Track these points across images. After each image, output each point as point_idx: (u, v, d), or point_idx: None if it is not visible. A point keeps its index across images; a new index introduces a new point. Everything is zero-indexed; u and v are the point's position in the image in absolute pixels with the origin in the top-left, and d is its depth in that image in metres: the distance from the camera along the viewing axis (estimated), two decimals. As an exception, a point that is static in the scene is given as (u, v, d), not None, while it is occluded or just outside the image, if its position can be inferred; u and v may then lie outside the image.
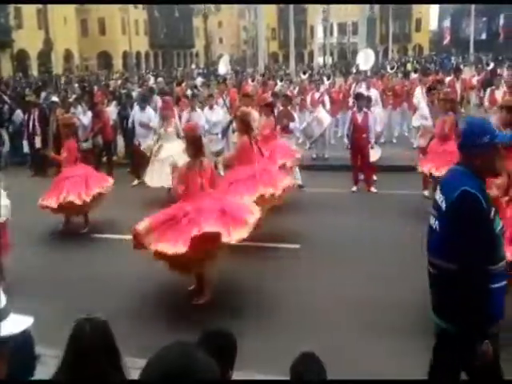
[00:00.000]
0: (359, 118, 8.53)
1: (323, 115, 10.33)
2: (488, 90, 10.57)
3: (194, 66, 49.54)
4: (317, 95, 11.87)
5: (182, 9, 57.73)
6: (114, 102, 12.17)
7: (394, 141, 12.44)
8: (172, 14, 54.45)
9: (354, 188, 8.69)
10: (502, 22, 62.74)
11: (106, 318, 2.05)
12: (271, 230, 6.11)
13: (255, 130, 6.90)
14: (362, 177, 8.80)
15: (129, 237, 4.95)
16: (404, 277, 5.09)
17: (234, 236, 4.62)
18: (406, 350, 3.84)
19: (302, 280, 5.31)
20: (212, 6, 48.22)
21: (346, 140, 8.84)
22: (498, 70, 13.62)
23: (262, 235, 5.39)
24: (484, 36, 62.51)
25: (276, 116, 9.13)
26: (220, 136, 9.48)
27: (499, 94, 9.84)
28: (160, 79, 20.19)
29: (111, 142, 11.01)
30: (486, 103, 10.35)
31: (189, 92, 14.12)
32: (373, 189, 8.61)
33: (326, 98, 11.84)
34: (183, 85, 16.67)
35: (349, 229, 6.72)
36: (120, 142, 11.52)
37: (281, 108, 9.41)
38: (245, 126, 6.40)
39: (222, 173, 9.39)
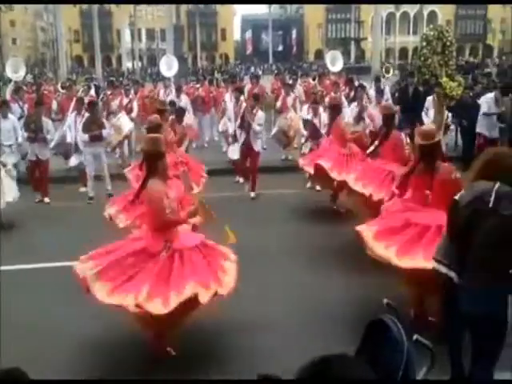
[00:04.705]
0: None
1: (124, 121, 9.84)
2: (280, 96, 11.74)
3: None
4: (125, 101, 11.47)
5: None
6: None
7: (206, 145, 12.81)
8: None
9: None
10: (294, 35, 70.20)
11: None
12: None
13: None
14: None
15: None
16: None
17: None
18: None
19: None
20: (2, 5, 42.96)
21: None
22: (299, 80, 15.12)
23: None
24: (281, 48, 69.04)
25: (82, 124, 8.55)
26: (14, 148, 8.45)
27: (290, 100, 11.24)
28: None
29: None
30: (278, 107, 11.49)
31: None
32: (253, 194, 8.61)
33: (135, 104, 11.56)
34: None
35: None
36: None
37: (87, 115, 8.80)
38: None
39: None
